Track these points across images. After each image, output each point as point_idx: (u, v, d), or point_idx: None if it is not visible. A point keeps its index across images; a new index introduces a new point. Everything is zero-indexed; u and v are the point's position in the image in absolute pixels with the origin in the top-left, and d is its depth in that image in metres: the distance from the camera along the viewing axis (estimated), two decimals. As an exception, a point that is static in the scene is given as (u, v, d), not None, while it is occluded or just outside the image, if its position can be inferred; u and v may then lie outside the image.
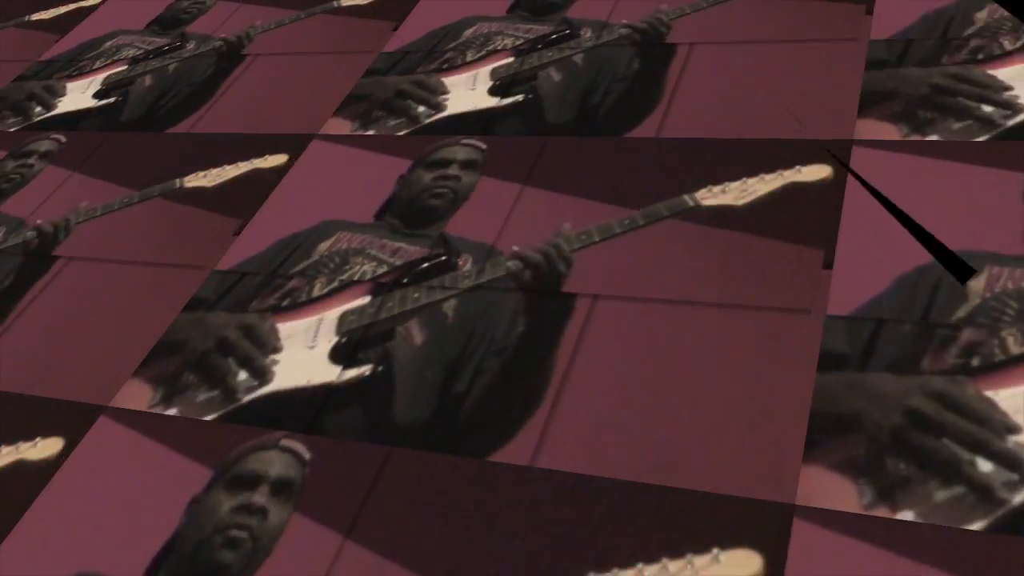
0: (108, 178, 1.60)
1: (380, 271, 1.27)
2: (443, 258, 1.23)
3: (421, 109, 1.52)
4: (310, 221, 1.39)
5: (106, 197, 1.56)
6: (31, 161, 1.70)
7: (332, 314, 1.22)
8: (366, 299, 1.23)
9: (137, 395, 1.21)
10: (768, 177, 1.23)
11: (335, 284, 1.26)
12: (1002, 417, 0.92)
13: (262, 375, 1.18)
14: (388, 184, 1.41)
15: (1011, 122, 1.19)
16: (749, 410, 0.99)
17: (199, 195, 1.50)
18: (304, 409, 1.12)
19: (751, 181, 1.23)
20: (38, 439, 1.20)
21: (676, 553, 0.90)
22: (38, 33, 2.12)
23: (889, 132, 1.23)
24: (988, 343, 0.97)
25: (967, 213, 1.11)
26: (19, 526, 1.10)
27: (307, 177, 1.46)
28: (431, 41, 1.66)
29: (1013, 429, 0.91)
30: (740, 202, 1.20)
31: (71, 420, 1.21)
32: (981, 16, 1.35)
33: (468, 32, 1.66)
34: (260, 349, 1.21)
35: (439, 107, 1.51)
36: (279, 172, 1.49)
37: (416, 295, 1.21)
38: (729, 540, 0.90)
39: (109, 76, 1.86)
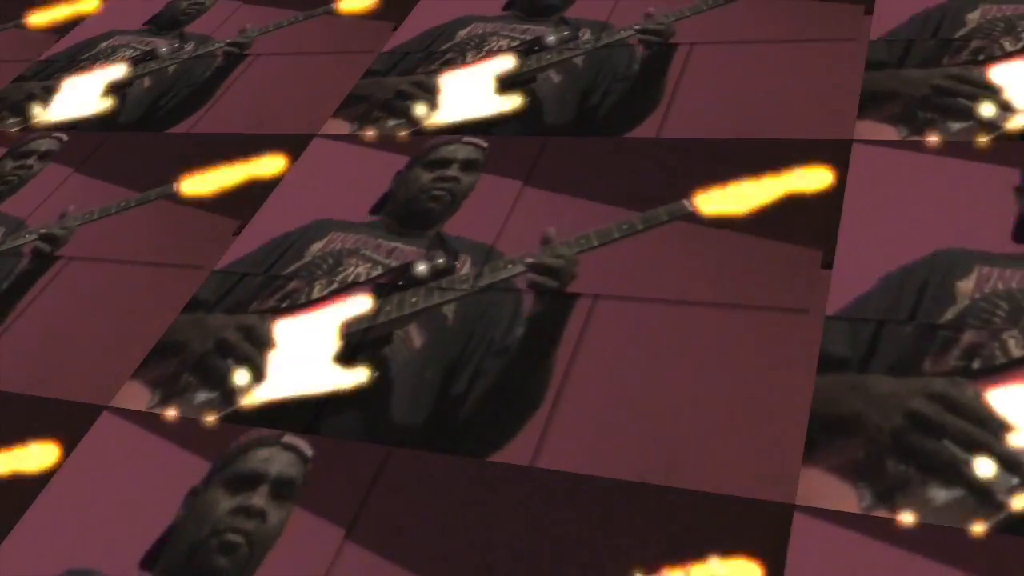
0: (108, 179, 1.60)
1: (375, 273, 1.26)
2: (440, 261, 1.23)
3: (421, 110, 1.52)
4: (305, 221, 1.39)
5: (106, 198, 1.56)
6: (30, 162, 1.70)
7: (332, 315, 1.22)
8: (366, 300, 1.23)
9: (137, 395, 1.21)
10: (768, 178, 1.23)
11: (335, 286, 1.26)
12: (1002, 418, 0.92)
13: (261, 376, 1.18)
14: (386, 182, 1.40)
15: (1009, 122, 1.19)
16: (749, 410, 0.99)
17: (199, 196, 1.50)
18: (303, 410, 1.13)
19: (751, 182, 1.23)
20: (38, 439, 1.20)
21: (675, 559, 0.90)
22: (38, 33, 2.12)
23: (889, 132, 1.23)
24: (989, 345, 0.97)
25: (958, 210, 1.11)
26: (19, 526, 1.10)
27: (307, 177, 1.46)
28: (425, 41, 1.66)
29: (1013, 430, 0.91)
30: (740, 203, 1.20)
31: (71, 420, 1.21)
32: (973, 17, 1.35)
33: (462, 32, 1.66)
34: (259, 350, 1.21)
35: (439, 108, 1.51)
36: (279, 172, 1.49)
37: (414, 299, 1.21)
38: (728, 542, 0.90)
39: (109, 76, 1.86)
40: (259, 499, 1.05)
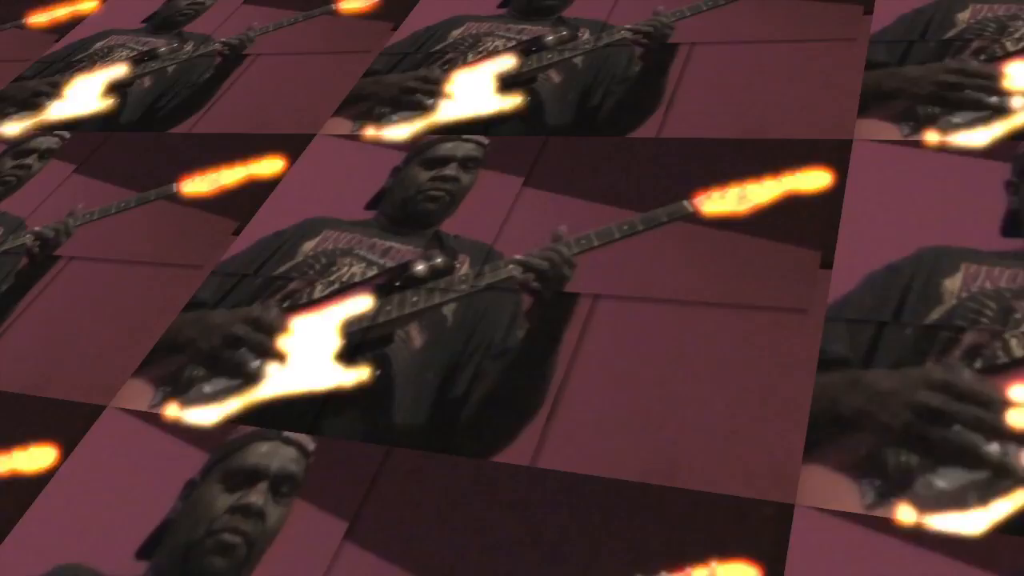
0: (108, 179, 1.60)
1: (371, 274, 1.25)
2: (438, 260, 1.22)
3: (422, 108, 1.51)
4: (300, 220, 1.38)
5: (106, 198, 1.56)
6: (29, 161, 1.70)
7: (333, 315, 1.22)
8: (367, 301, 1.23)
9: (138, 394, 1.21)
10: (768, 178, 1.23)
11: (336, 286, 1.26)
12: (1004, 398, 0.91)
13: (278, 359, 1.17)
14: (383, 178, 1.40)
15: (1007, 119, 1.19)
16: (749, 410, 0.99)
17: (199, 195, 1.50)
18: (304, 410, 1.12)
19: (751, 182, 1.23)
20: (38, 439, 1.20)
21: (675, 559, 0.90)
22: (37, 34, 2.12)
23: (889, 131, 1.23)
24: (991, 346, 0.97)
25: (959, 208, 1.11)
26: (19, 526, 1.10)
27: (307, 177, 1.46)
28: (415, 42, 1.66)
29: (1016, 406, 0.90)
30: (740, 206, 1.20)
31: (71, 420, 1.21)
32: (963, 17, 1.35)
33: (456, 33, 1.65)
34: (270, 337, 1.20)
35: (441, 104, 1.50)
36: (279, 172, 1.49)
37: (415, 298, 1.21)
38: (728, 542, 0.90)
39: (109, 76, 1.86)
40: (258, 497, 1.05)
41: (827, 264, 1.10)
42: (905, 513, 0.87)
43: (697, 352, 1.06)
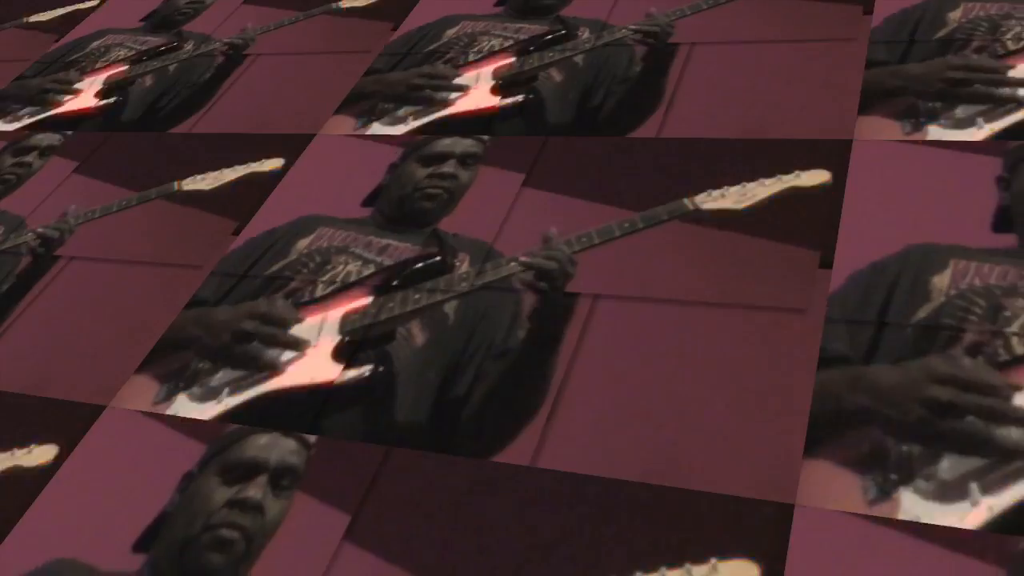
0: (108, 178, 1.60)
1: (366, 272, 1.24)
2: (437, 259, 1.21)
3: (428, 101, 1.51)
4: (294, 218, 1.38)
5: (106, 197, 1.56)
6: (29, 159, 1.70)
7: (334, 315, 1.22)
8: (368, 300, 1.23)
9: (138, 394, 1.21)
10: (767, 178, 1.23)
11: (337, 284, 1.26)
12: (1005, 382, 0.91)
13: (295, 346, 1.16)
14: (380, 175, 1.40)
15: (1007, 115, 1.19)
16: (749, 410, 0.99)
17: (199, 195, 1.50)
18: (304, 409, 1.13)
19: (750, 182, 1.23)
20: (38, 440, 1.20)
21: (674, 560, 0.90)
22: (37, 34, 2.12)
23: (889, 131, 1.23)
24: (992, 344, 0.97)
25: (948, 204, 1.11)
26: (19, 525, 1.10)
27: (307, 177, 1.46)
28: (408, 42, 1.66)
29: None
30: (740, 205, 1.20)
31: (72, 420, 1.21)
32: (954, 16, 1.35)
33: (451, 32, 1.65)
34: (281, 328, 1.19)
35: (443, 102, 1.50)
36: (279, 172, 1.49)
37: (417, 296, 1.21)
38: (728, 543, 0.90)
39: (109, 76, 1.86)
40: (256, 491, 1.04)
41: (827, 264, 1.10)
42: (907, 511, 0.87)
43: (697, 352, 1.06)
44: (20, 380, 1.29)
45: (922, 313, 1.00)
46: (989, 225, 1.08)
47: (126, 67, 1.87)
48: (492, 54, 1.57)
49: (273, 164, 1.51)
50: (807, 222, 1.16)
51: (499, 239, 1.25)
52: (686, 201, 1.23)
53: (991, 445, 0.89)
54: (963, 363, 0.94)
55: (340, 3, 1.84)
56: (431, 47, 1.64)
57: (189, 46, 1.87)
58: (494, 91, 1.50)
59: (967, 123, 1.20)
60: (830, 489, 0.91)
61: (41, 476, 1.15)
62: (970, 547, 0.84)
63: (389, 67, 1.63)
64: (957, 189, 1.14)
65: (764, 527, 0.90)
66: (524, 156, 1.37)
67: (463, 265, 1.23)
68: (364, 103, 1.57)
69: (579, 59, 1.50)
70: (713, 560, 0.89)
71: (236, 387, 1.17)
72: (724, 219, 1.19)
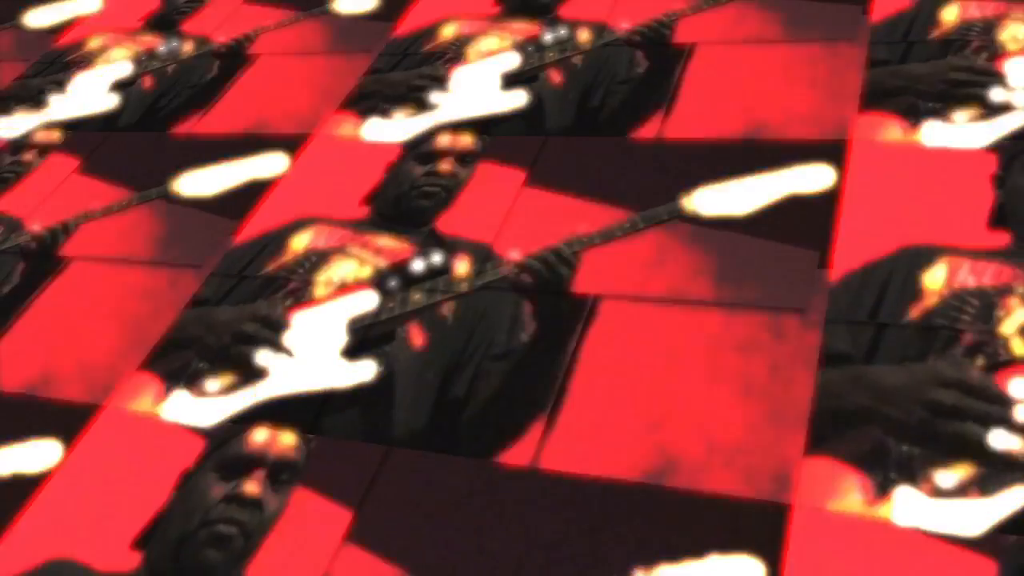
0: (107, 178, 1.60)
1: (364, 273, 1.24)
2: (436, 259, 1.21)
3: (430, 101, 1.51)
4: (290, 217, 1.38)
5: (106, 197, 1.56)
6: (28, 157, 1.70)
7: (334, 316, 1.22)
8: (367, 300, 1.23)
9: (139, 393, 1.21)
10: (767, 178, 1.23)
11: (336, 285, 1.26)
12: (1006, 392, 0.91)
13: (287, 353, 1.16)
14: (379, 174, 1.40)
15: (1005, 115, 1.20)
16: (748, 410, 0.99)
17: (199, 196, 1.50)
18: (304, 410, 1.13)
19: (751, 183, 1.23)
20: (38, 439, 1.20)
21: (674, 560, 0.90)
22: (37, 34, 2.12)
23: (889, 130, 1.23)
24: (992, 344, 0.97)
25: (947, 203, 1.11)
26: (19, 525, 1.10)
27: (307, 177, 1.46)
28: (404, 43, 1.66)
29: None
30: (739, 203, 1.20)
31: (71, 420, 1.21)
32: (948, 16, 1.35)
33: (448, 32, 1.65)
34: (276, 333, 1.19)
35: (444, 101, 1.50)
36: (279, 172, 1.49)
37: (417, 297, 1.21)
38: (728, 543, 0.90)
39: (109, 75, 1.86)
40: (254, 486, 1.03)
41: (826, 264, 1.10)
42: (907, 511, 0.87)
43: (697, 352, 1.06)
44: (20, 380, 1.29)
45: (915, 313, 1.00)
46: (985, 224, 1.08)
47: (126, 67, 1.87)
48: (491, 54, 1.57)
49: (273, 164, 1.51)
50: (807, 222, 1.16)
51: (499, 239, 1.25)
52: (686, 201, 1.23)
53: (992, 450, 0.89)
54: (967, 367, 0.94)
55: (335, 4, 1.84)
56: (429, 47, 1.64)
57: (188, 46, 1.87)
58: (494, 91, 1.50)
59: (968, 123, 1.20)
60: (829, 489, 0.91)
61: (40, 476, 1.15)
62: (969, 548, 0.84)
63: (389, 67, 1.63)
64: (956, 189, 1.14)
65: (763, 527, 0.90)
66: (524, 155, 1.37)
67: (463, 265, 1.23)
68: (364, 103, 1.57)
69: (578, 60, 1.50)
70: (713, 560, 0.89)
71: (236, 387, 1.17)
72: (724, 219, 1.19)
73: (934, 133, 1.21)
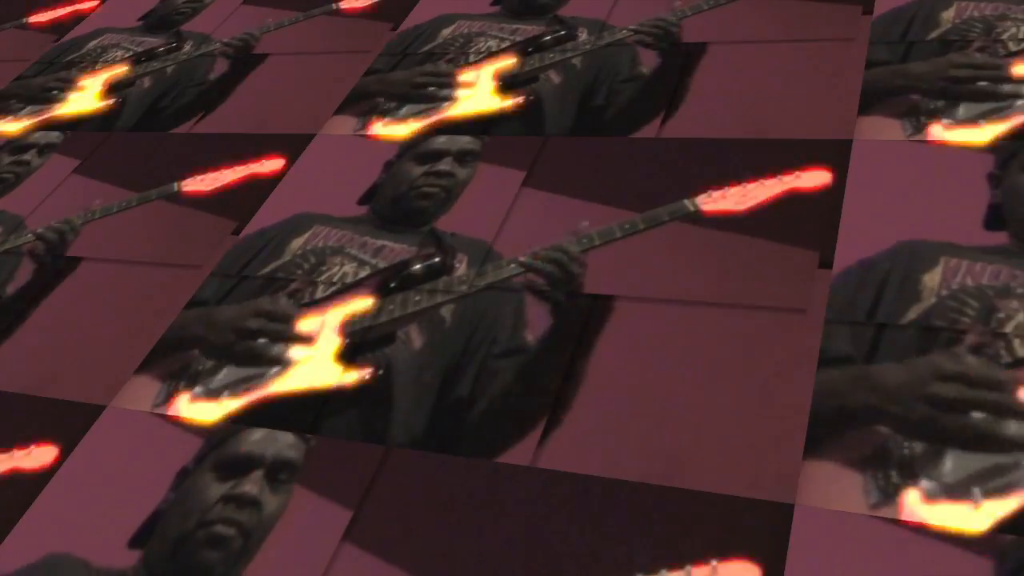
0: (107, 179, 1.60)
1: (362, 274, 1.24)
2: (436, 260, 1.20)
3: (430, 100, 1.51)
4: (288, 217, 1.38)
5: (106, 197, 1.56)
6: (27, 157, 1.70)
7: (334, 316, 1.22)
8: (368, 301, 1.23)
9: (139, 393, 1.21)
10: (768, 178, 1.23)
11: (336, 286, 1.26)
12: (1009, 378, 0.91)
13: (298, 344, 1.15)
14: (377, 173, 1.39)
15: (1004, 115, 1.20)
16: (749, 410, 0.99)
17: (199, 196, 1.50)
18: (304, 411, 1.12)
19: (751, 183, 1.23)
20: (38, 440, 1.20)
21: (674, 560, 0.90)
22: (37, 34, 2.12)
23: (889, 131, 1.23)
24: (994, 345, 0.97)
25: (947, 202, 1.11)
26: (19, 525, 1.10)
27: (307, 177, 1.46)
28: (402, 42, 1.66)
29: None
30: (740, 205, 1.20)
31: (72, 420, 1.21)
32: (947, 16, 1.35)
33: (446, 31, 1.65)
34: (284, 325, 1.18)
35: (444, 101, 1.50)
36: (279, 172, 1.49)
37: (417, 298, 1.20)
38: (729, 544, 0.90)
39: (109, 76, 1.86)
40: (252, 486, 1.03)
41: (826, 264, 1.10)
42: (909, 511, 0.87)
43: (698, 352, 1.06)
44: (21, 380, 1.29)
45: (913, 313, 1.00)
46: (981, 223, 1.08)
47: (125, 67, 1.87)
48: (491, 54, 1.57)
49: (273, 164, 1.51)
50: (807, 222, 1.16)
51: (499, 239, 1.25)
52: (687, 202, 1.23)
53: (996, 442, 0.88)
54: (968, 360, 0.94)
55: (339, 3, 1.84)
56: (427, 47, 1.64)
57: (188, 46, 1.87)
58: (494, 92, 1.49)
59: (968, 122, 1.20)
60: (831, 489, 0.91)
61: (41, 476, 1.15)
62: (971, 547, 0.84)
63: (390, 67, 1.63)
64: (955, 188, 1.14)
65: (764, 527, 0.90)
66: (524, 155, 1.37)
67: (462, 266, 1.23)
68: (364, 103, 1.57)
69: (578, 60, 1.50)
70: (713, 560, 0.89)
71: (236, 387, 1.17)
72: (725, 219, 1.19)
73: (935, 133, 1.21)
